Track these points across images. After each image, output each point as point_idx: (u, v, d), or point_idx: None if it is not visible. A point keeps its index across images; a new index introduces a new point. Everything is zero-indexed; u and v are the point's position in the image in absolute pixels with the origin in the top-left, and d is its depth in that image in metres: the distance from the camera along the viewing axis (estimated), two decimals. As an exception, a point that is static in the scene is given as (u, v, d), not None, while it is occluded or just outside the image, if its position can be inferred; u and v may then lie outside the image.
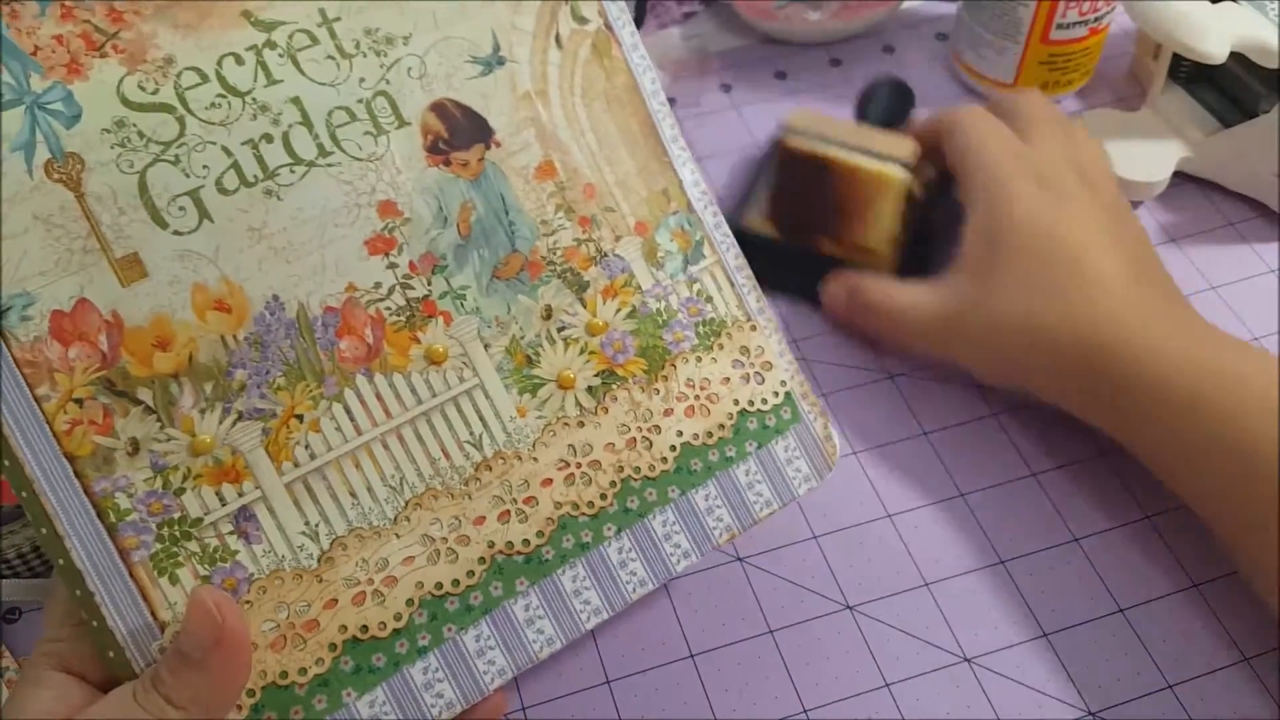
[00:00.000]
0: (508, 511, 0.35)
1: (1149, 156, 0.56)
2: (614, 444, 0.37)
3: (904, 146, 0.49)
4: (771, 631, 0.43)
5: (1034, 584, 0.43)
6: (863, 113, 0.56)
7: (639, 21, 0.61)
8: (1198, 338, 0.41)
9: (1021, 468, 0.47)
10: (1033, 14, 0.58)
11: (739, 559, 0.45)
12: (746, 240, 0.47)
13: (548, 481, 0.36)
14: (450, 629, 0.34)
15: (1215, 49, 0.51)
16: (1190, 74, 0.58)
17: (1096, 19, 0.58)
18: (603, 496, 0.37)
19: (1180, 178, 0.57)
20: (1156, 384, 0.40)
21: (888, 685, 0.41)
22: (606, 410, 0.37)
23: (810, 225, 0.51)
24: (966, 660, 0.42)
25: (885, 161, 0.49)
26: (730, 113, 0.62)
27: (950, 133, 0.49)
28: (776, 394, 0.39)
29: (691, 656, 0.42)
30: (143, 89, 0.32)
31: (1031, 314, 0.43)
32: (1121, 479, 0.46)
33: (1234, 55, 0.52)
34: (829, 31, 0.65)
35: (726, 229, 0.40)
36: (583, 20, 0.39)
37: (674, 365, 0.38)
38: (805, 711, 0.41)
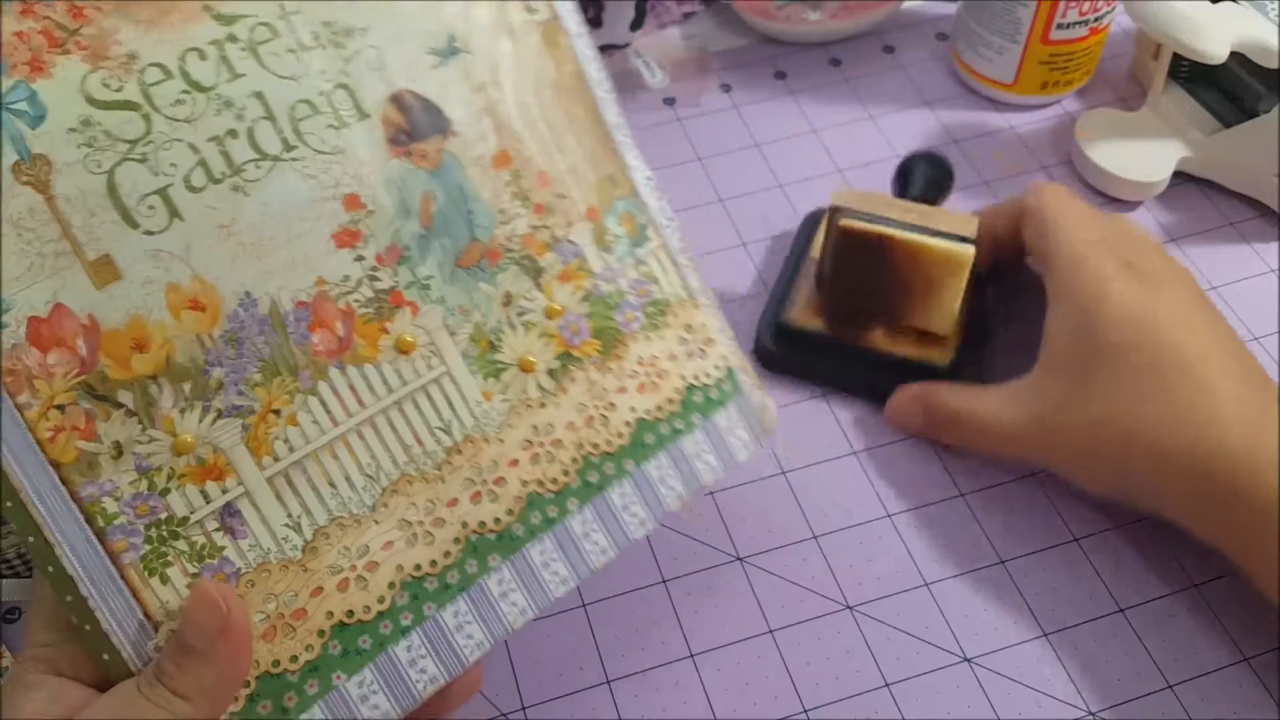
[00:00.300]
0: (479, 493, 0.37)
1: (1149, 156, 0.56)
2: (574, 423, 0.39)
3: (967, 224, 0.47)
4: (771, 631, 0.43)
5: (1034, 584, 0.44)
6: (902, 188, 0.52)
7: (639, 22, 0.60)
8: None
9: (1021, 467, 0.47)
10: (1033, 14, 0.58)
11: (739, 559, 0.45)
12: (792, 335, 0.48)
13: (514, 462, 0.38)
14: (430, 608, 0.36)
15: (1215, 49, 0.51)
16: (1190, 74, 0.58)
17: (1096, 19, 0.58)
18: (565, 473, 0.38)
19: (1180, 177, 0.57)
20: None
21: (888, 685, 0.42)
22: (566, 391, 0.39)
23: (867, 311, 0.49)
24: (966, 660, 0.42)
25: (951, 240, 0.46)
26: (730, 113, 0.62)
27: (1032, 213, 0.46)
28: (718, 368, 0.42)
29: (691, 656, 0.43)
30: (107, 86, 0.32)
31: (1138, 420, 0.39)
32: None
33: (1234, 55, 0.52)
34: (829, 31, 0.65)
35: (670, 212, 0.42)
36: (532, 11, 0.39)
37: (626, 345, 0.40)
38: (805, 711, 0.41)
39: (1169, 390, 0.39)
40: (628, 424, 0.40)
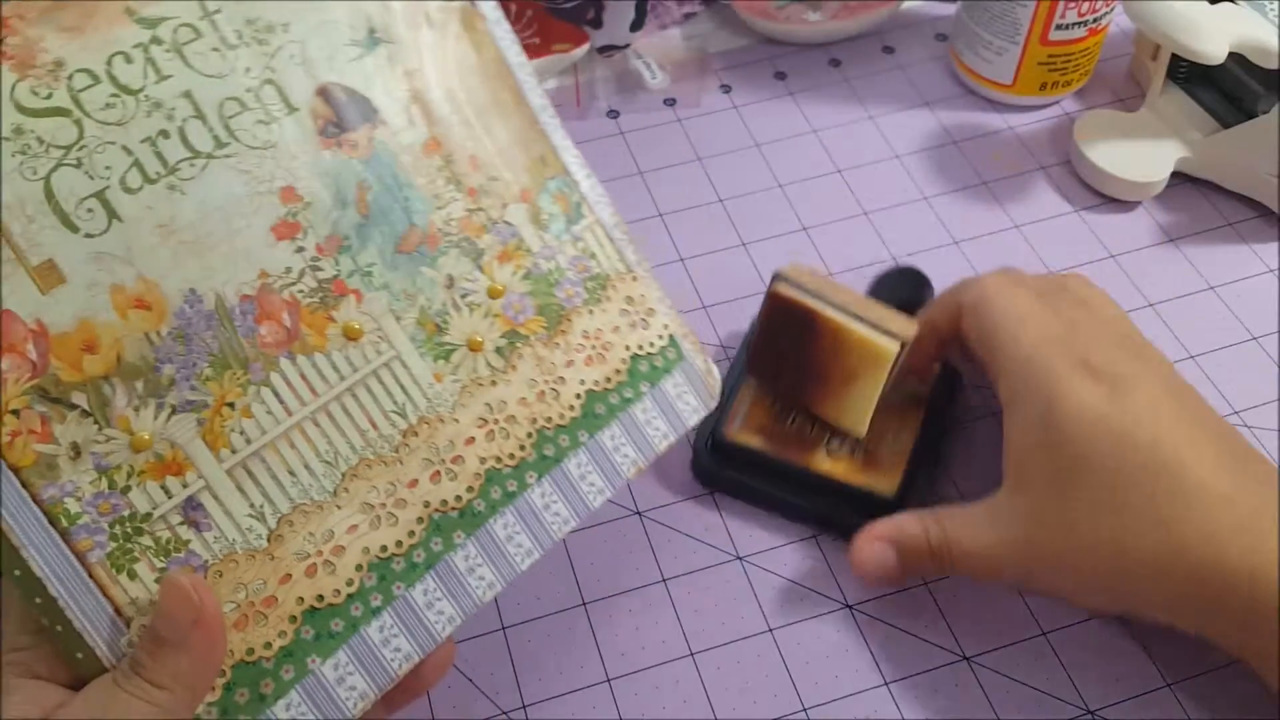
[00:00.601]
0: (438, 472, 0.37)
1: (1148, 157, 0.57)
2: (525, 398, 0.39)
3: (905, 325, 0.43)
4: (771, 630, 0.44)
5: None
6: (874, 293, 0.50)
7: (639, 23, 0.61)
8: None
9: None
10: (1032, 15, 0.58)
11: (739, 558, 0.46)
12: (730, 452, 0.47)
13: (470, 440, 0.38)
14: (399, 587, 0.36)
15: (1214, 50, 0.51)
16: (1189, 74, 0.58)
17: (1095, 20, 0.59)
18: (521, 448, 0.39)
19: (1179, 178, 0.57)
20: None
21: (887, 684, 0.42)
22: (515, 368, 0.40)
23: (786, 388, 0.47)
24: (966, 659, 0.42)
25: (878, 332, 0.43)
26: (730, 113, 0.63)
27: (973, 310, 0.42)
28: (661, 337, 0.43)
29: (691, 655, 0.43)
30: (36, 94, 0.32)
31: (1123, 538, 0.36)
32: None
33: (1233, 56, 0.52)
34: (828, 32, 0.66)
35: (601, 190, 0.43)
36: (448, -1, 0.40)
37: (569, 320, 0.41)
38: (805, 710, 0.42)
39: (1148, 498, 0.36)
40: (578, 396, 0.40)
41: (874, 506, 0.44)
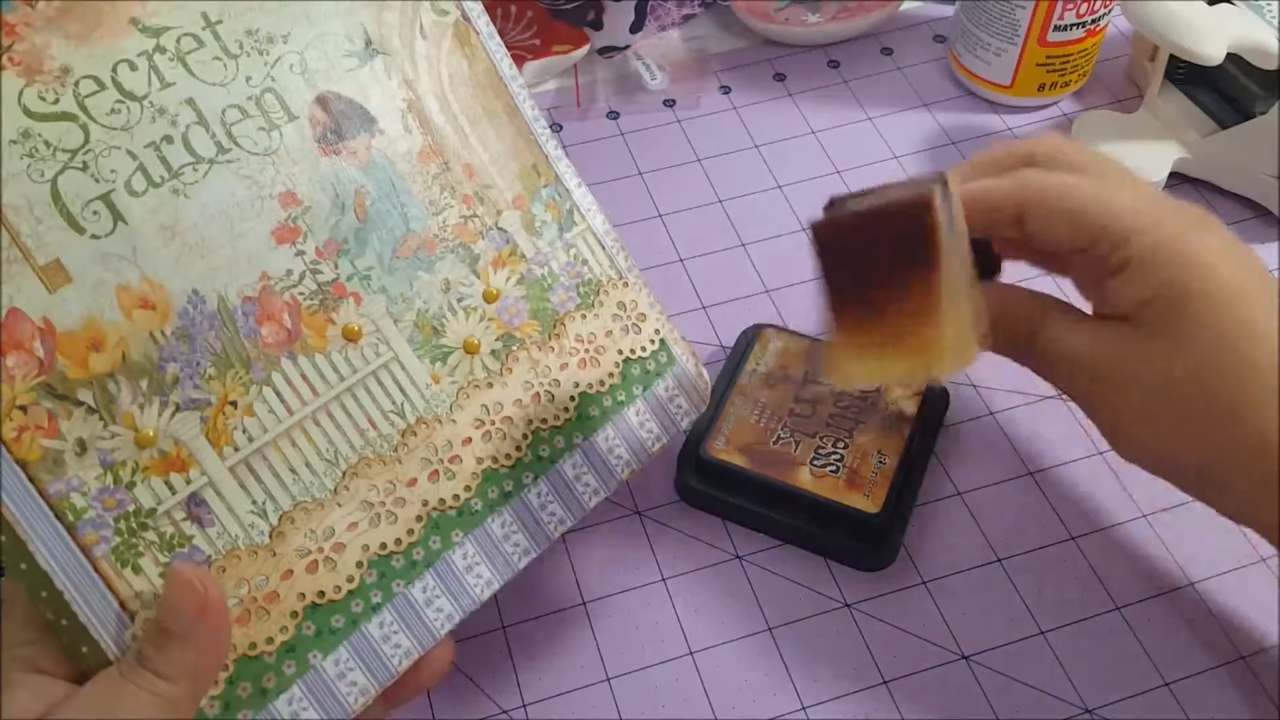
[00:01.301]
0: (436, 471, 0.38)
1: (1146, 157, 0.57)
2: (521, 400, 0.40)
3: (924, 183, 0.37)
4: (770, 629, 0.44)
5: (1032, 582, 0.44)
6: None
7: (639, 24, 0.61)
8: None
9: (1019, 467, 0.48)
10: (1030, 16, 0.58)
11: (738, 557, 0.46)
12: (712, 469, 0.46)
13: (468, 440, 0.39)
14: (399, 584, 0.37)
15: (1212, 51, 0.51)
16: (1187, 75, 0.58)
17: (1094, 21, 0.59)
18: (518, 448, 0.40)
19: (1177, 178, 0.57)
20: None
21: (886, 683, 0.42)
22: (511, 370, 0.40)
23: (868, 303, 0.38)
24: (964, 658, 0.43)
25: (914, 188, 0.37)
26: (730, 114, 0.63)
27: (1055, 200, 0.39)
28: (653, 341, 0.44)
29: (691, 654, 0.43)
30: (43, 99, 0.33)
31: (1213, 407, 0.36)
32: (1119, 478, 0.47)
33: (1231, 57, 0.53)
34: (827, 34, 0.66)
35: (592, 198, 0.44)
36: (443, 13, 0.41)
37: (563, 324, 0.42)
38: (804, 709, 0.42)
39: (1254, 380, 0.36)
40: (572, 399, 0.41)
41: (857, 525, 0.45)
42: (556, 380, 0.41)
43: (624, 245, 0.44)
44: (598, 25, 0.61)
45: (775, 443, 0.47)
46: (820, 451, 0.46)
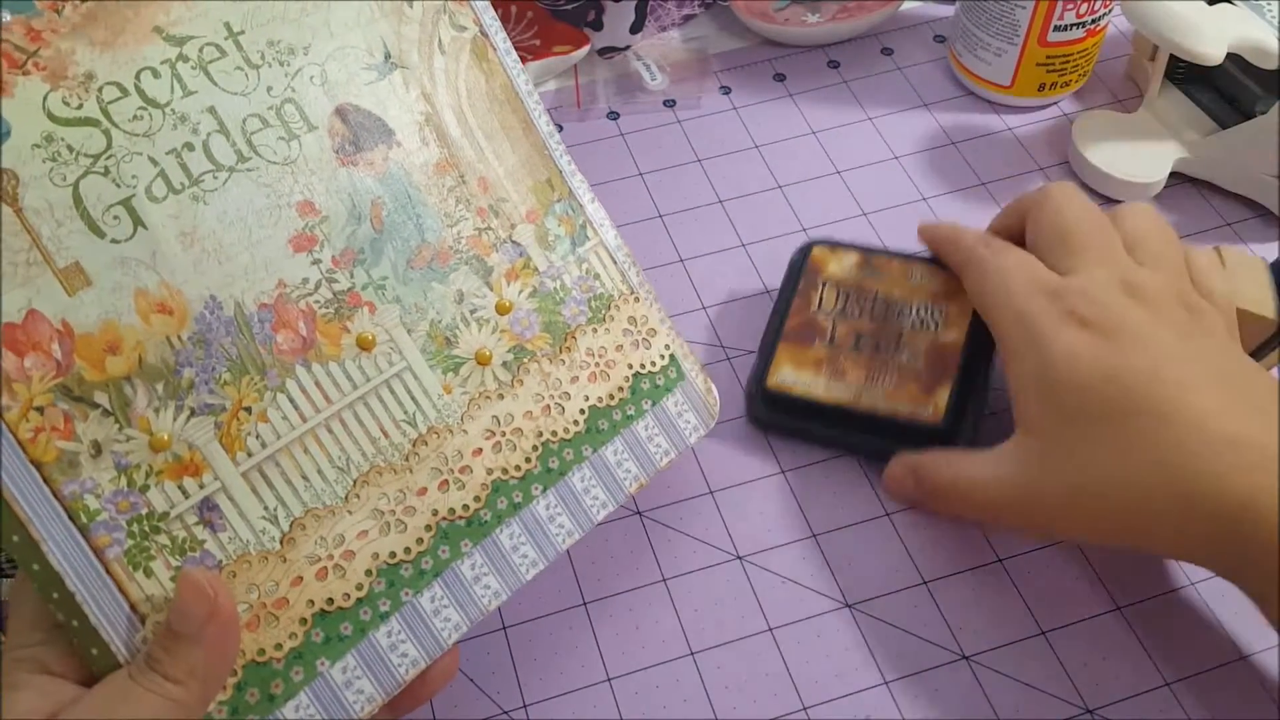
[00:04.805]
0: (446, 481, 0.38)
1: (1146, 157, 0.56)
2: (531, 412, 0.40)
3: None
4: (771, 629, 0.44)
5: (1032, 582, 0.44)
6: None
7: (639, 25, 0.62)
8: None
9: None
10: (1030, 16, 0.58)
11: (739, 557, 0.46)
12: (780, 400, 0.48)
13: (478, 451, 0.39)
14: (407, 593, 0.37)
15: (1212, 51, 0.51)
16: (1187, 75, 0.58)
17: (1094, 21, 0.59)
18: (527, 460, 0.40)
19: (1177, 178, 0.57)
20: None
21: (886, 683, 0.42)
22: (521, 382, 0.40)
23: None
24: (965, 658, 0.42)
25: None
26: (730, 114, 0.63)
27: (964, 267, 0.45)
28: (663, 356, 0.44)
29: (692, 654, 0.43)
30: (67, 104, 0.33)
31: (1124, 477, 0.37)
32: None
33: (1231, 56, 0.52)
34: (827, 34, 0.66)
35: (605, 213, 0.44)
36: (460, 28, 0.42)
37: (574, 337, 0.42)
38: (805, 709, 0.41)
39: (1148, 438, 0.36)
40: (582, 412, 0.41)
41: (923, 439, 0.45)
42: (567, 393, 0.41)
43: (635, 260, 0.45)
44: (598, 26, 0.62)
45: (834, 363, 0.48)
46: (876, 369, 0.48)
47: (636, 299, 0.44)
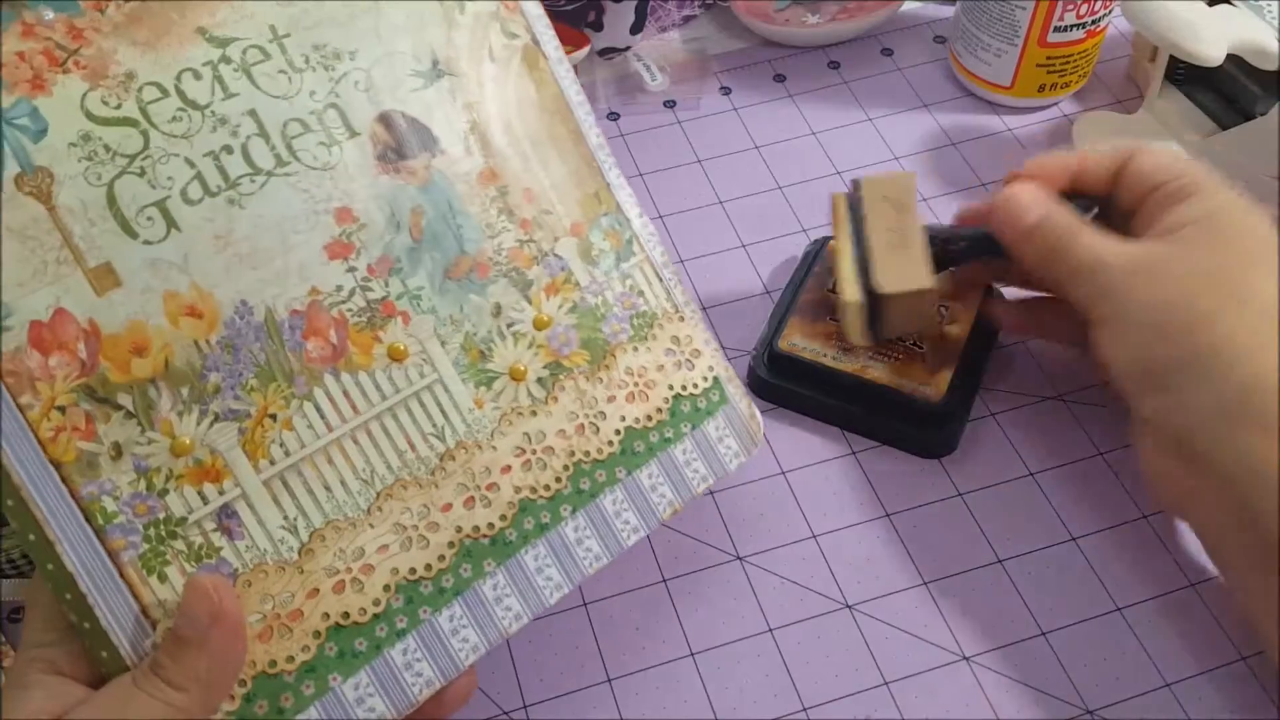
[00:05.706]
0: (472, 498, 0.37)
1: None
2: (565, 430, 0.39)
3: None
4: (771, 630, 0.43)
5: (1032, 583, 0.44)
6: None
7: (639, 25, 0.62)
8: None
9: (1020, 468, 0.48)
10: (1030, 16, 0.58)
11: (739, 558, 0.45)
12: (785, 363, 0.49)
13: (507, 468, 0.38)
14: (425, 611, 0.36)
15: (1212, 52, 0.52)
16: (1187, 76, 0.58)
17: (1094, 21, 0.59)
18: (557, 480, 0.39)
19: None
20: None
21: (886, 684, 0.42)
22: (556, 399, 0.40)
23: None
24: (965, 659, 0.42)
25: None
26: (730, 115, 0.63)
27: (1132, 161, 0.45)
28: (706, 379, 0.42)
29: (692, 655, 0.43)
30: (106, 104, 0.33)
31: (1210, 294, 0.39)
32: (1119, 479, 0.47)
33: (1231, 58, 0.53)
34: (827, 34, 0.66)
35: (652, 229, 0.43)
36: (512, 35, 0.41)
37: (614, 355, 0.41)
38: (805, 709, 0.41)
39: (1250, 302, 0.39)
40: (618, 432, 0.40)
41: (920, 415, 0.48)
42: (602, 412, 0.40)
43: (681, 279, 0.43)
44: (598, 26, 0.61)
45: (844, 340, 0.49)
46: (883, 349, 0.49)
47: (681, 318, 0.43)
